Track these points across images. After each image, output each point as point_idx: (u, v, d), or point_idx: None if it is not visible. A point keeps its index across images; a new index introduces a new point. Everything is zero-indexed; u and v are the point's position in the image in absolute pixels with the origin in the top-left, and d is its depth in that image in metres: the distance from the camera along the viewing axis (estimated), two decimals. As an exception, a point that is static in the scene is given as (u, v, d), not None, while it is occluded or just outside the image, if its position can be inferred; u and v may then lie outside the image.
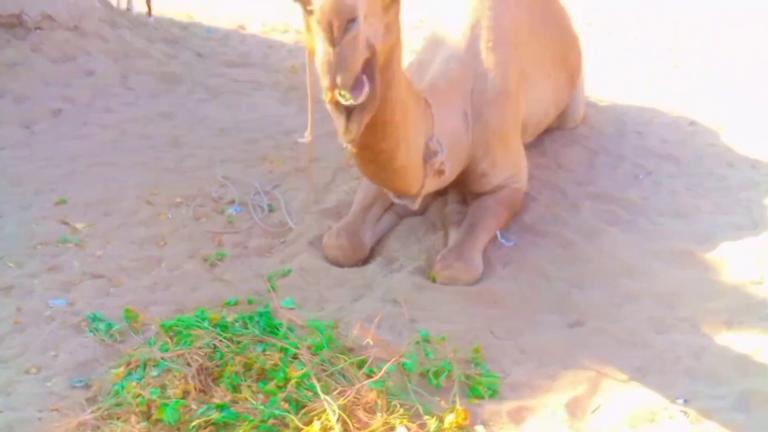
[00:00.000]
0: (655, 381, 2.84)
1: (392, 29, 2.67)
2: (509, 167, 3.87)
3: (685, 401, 2.73)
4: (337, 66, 2.31)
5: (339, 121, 2.57)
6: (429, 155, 3.29)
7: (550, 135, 4.89)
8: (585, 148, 4.87)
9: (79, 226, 3.84)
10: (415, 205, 3.56)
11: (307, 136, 3.08)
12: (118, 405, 2.54)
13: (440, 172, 3.38)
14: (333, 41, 2.27)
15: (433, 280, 3.45)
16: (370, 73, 2.50)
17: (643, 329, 3.15)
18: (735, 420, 2.62)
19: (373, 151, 3.00)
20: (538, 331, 3.14)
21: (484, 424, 2.60)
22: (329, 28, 2.25)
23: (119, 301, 3.22)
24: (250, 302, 3.25)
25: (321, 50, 2.33)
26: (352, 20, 2.25)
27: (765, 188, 4.34)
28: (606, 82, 6.33)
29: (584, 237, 3.81)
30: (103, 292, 3.32)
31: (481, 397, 2.75)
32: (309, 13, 2.43)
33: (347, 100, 2.44)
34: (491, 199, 3.82)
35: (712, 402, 2.72)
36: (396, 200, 3.65)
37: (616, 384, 2.84)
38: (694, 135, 5.20)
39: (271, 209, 4.11)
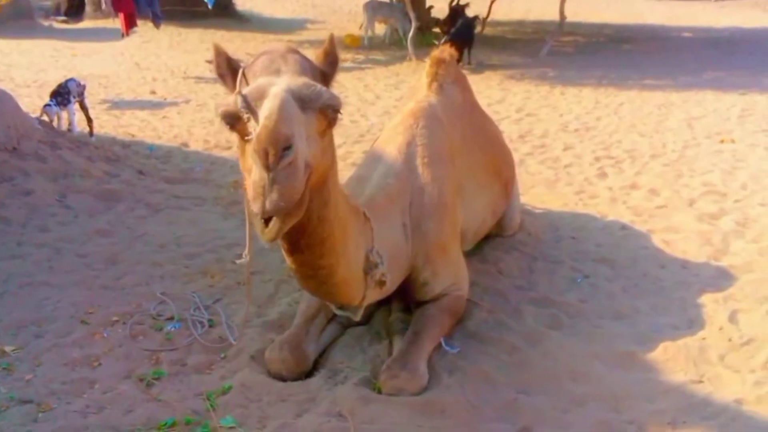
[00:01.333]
0: (605, 487, 2.80)
1: (327, 152, 2.77)
2: (450, 275, 3.92)
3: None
4: (269, 190, 2.36)
5: (257, 223, 2.58)
6: (369, 267, 3.32)
7: (489, 242, 5.01)
8: (523, 254, 4.99)
9: (7, 349, 3.67)
10: (357, 317, 3.56)
11: (245, 256, 3.08)
12: None
13: (381, 283, 3.41)
14: (268, 167, 2.33)
15: (379, 391, 3.38)
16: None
17: (592, 434, 3.13)
18: None
19: (312, 267, 3.02)
20: (486, 441, 3.09)
21: None
22: (265, 156, 2.32)
23: (48, 428, 3.04)
24: (187, 422, 3.12)
25: (256, 175, 2.39)
26: (288, 148, 2.33)
27: (697, 288, 4.49)
28: (539, 191, 6.59)
29: (528, 342, 3.84)
30: (30, 419, 3.13)
31: None
32: (246, 142, 2.51)
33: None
34: (434, 307, 3.84)
35: (663, 506, 2.69)
36: (338, 312, 3.64)
37: (567, 492, 2.78)
38: (626, 238, 5.40)
39: (211, 324, 4.02)
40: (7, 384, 3.38)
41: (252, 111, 2.45)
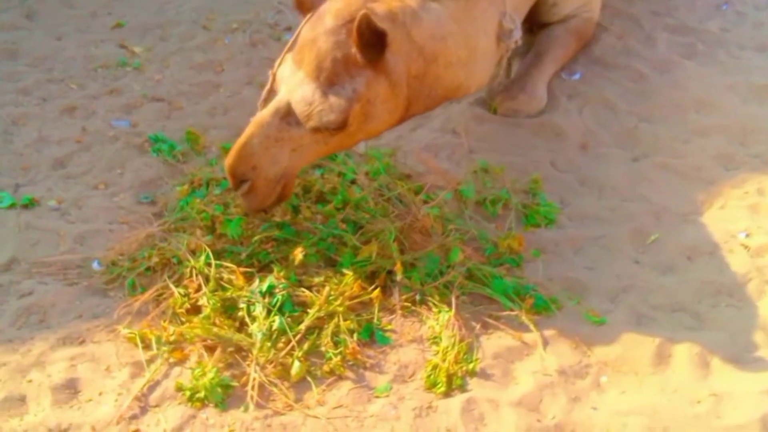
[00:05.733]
0: (717, 216, 2.81)
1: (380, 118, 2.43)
2: (581, -5, 3.62)
3: (747, 236, 2.69)
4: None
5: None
6: (503, 34, 2.87)
7: (627, -39, 4.53)
8: (665, -24, 4.50)
9: (137, 50, 3.82)
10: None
11: None
12: (183, 219, 2.64)
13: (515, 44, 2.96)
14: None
15: (494, 112, 3.35)
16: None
17: (711, 165, 3.06)
18: (798, 255, 2.58)
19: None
20: (600, 164, 3.08)
21: (540, 250, 2.62)
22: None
23: (180, 124, 3.25)
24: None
25: None
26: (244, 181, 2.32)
27: None
28: None
29: (657, 70, 3.62)
30: (163, 115, 3.36)
31: (538, 226, 2.76)
32: None
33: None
34: (560, 28, 3.61)
35: (775, 238, 2.67)
36: None
37: (676, 217, 2.80)
38: (788, -38, 4.73)
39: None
40: (139, 83, 3.57)
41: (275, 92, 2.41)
